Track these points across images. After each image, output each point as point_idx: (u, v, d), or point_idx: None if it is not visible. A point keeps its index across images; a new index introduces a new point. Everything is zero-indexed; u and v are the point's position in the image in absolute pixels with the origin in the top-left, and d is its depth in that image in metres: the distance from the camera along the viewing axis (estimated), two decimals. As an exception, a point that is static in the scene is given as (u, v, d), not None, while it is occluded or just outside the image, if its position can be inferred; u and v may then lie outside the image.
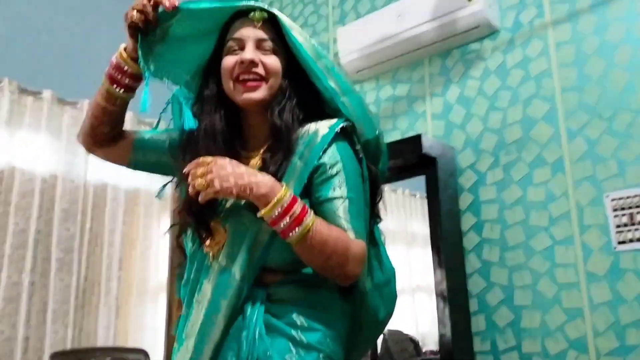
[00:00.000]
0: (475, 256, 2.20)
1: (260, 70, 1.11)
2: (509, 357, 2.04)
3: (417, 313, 2.53)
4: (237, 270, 1.05)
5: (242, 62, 1.11)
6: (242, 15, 1.15)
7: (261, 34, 1.13)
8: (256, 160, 1.13)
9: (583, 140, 2.02)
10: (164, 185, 1.29)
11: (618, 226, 1.88)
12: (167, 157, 1.22)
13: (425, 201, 2.21)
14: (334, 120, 1.12)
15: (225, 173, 1.00)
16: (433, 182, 2.20)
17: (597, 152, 1.98)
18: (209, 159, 1.02)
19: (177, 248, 1.21)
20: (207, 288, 1.08)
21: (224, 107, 1.15)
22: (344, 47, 2.61)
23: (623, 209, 1.88)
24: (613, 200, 1.90)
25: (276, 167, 1.07)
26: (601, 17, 2.06)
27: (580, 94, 2.06)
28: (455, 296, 2.10)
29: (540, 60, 2.18)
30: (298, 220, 0.99)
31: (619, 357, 1.82)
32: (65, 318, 2.60)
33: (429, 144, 2.19)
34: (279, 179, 1.05)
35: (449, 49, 2.45)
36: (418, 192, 2.52)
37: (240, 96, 1.12)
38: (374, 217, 1.21)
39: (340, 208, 1.06)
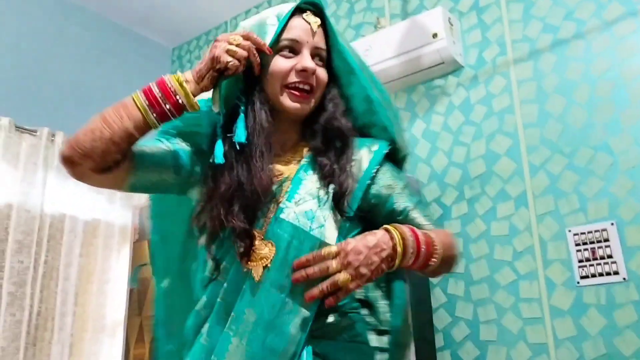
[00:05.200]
0: (441, 290, 2.18)
1: (313, 81, 1.04)
2: (475, 394, 2.02)
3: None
4: (293, 299, 0.92)
5: (303, 70, 1.02)
6: (297, 10, 1.06)
7: (318, 42, 1.05)
8: (292, 167, 1.05)
9: (545, 175, 2.05)
10: (198, 213, 1.06)
11: (580, 261, 1.90)
12: (171, 174, 1.04)
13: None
14: (378, 142, 1.08)
15: (364, 255, 0.89)
16: (399, 216, 2.18)
17: (559, 187, 2.01)
18: (332, 249, 0.91)
19: (212, 261, 1.01)
20: (251, 317, 0.92)
21: (268, 105, 1.04)
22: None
23: (585, 243, 1.90)
24: (575, 235, 1.92)
25: (344, 179, 1.00)
26: (560, 56, 2.12)
27: (541, 129, 2.10)
28: (421, 331, 2.07)
29: (502, 97, 2.23)
30: (429, 248, 0.95)
31: (584, 393, 1.81)
32: (15, 356, 2.45)
33: (394, 177, 2.19)
34: (345, 192, 0.99)
35: (415, 84, 2.49)
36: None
37: (288, 103, 1.03)
38: None
39: (419, 214, 1.05)
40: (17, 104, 2.82)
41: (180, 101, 0.96)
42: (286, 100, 1.04)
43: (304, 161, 1.06)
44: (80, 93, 3.09)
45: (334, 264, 0.89)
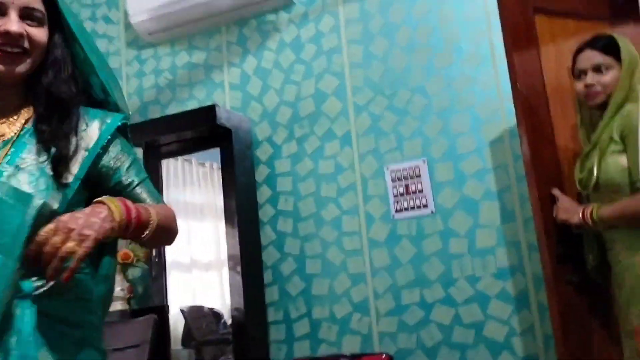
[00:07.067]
0: (271, 228, 2.22)
1: (25, 44, 1.00)
2: (301, 324, 2.12)
3: (223, 287, 2.50)
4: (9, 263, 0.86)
5: (7, 33, 0.97)
6: None
7: (28, 2, 1.01)
8: (16, 129, 1.02)
9: (368, 115, 2.14)
10: None
11: (395, 196, 2.03)
12: None
13: (220, 172, 2.17)
14: (112, 115, 1.09)
15: (83, 219, 0.88)
16: (228, 154, 2.15)
17: (379, 126, 2.11)
18: (50, 226, 0.87)
19: None
20: None
21: None
22: (134, 6, 2.40)
23: (400, 179, 2.03)
24: (392, 172, 2.05)
25: (64, 144, 0.99)
26: (386, -2, 2.18)
27: (366, 71, 2.16)
28: (249, 268, 2.10)
29: (331, 36, 2.24)
30: (141, 220, 0.95)
31: (396, 316, 1.98)
32: None
33: (224, 115, 2.13)
34: (65, 157, 0.99)
35: (246, 18, 2.40)
36: (211, 162, 2.50)
37: None
38: None
39: (144, 190, 1.10)
40: None
41: None
42: None
43: (29, 125, 1.04)
44: None
45: (57, 238, 0.85)
